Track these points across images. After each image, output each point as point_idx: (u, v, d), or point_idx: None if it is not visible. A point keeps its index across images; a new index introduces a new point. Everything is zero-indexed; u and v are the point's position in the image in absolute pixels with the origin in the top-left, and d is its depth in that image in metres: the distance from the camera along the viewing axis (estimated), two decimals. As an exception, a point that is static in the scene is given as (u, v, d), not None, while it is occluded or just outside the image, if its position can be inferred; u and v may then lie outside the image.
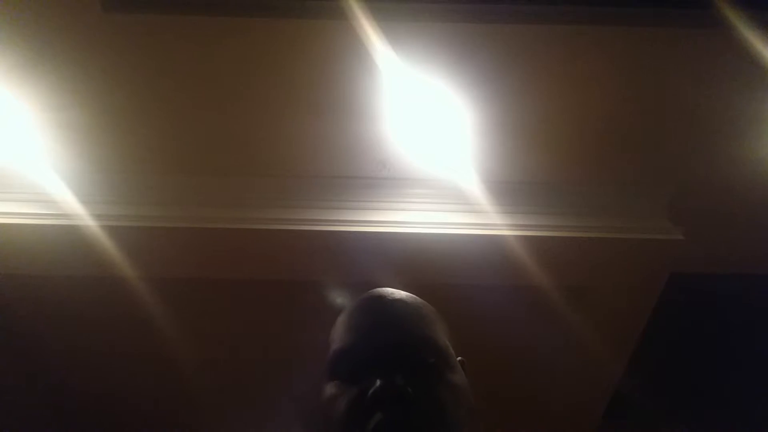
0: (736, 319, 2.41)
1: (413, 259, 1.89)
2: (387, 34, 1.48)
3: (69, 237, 1.86)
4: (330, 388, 0.70)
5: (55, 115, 1.70)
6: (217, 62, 1.61)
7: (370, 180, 1.95)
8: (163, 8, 1.48)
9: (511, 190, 1.93)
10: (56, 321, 2.24)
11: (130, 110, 1.73)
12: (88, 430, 2.67)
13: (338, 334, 0.76)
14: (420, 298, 0.82)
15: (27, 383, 2.49)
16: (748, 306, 2.36)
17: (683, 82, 1.65)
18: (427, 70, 1.59)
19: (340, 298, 1.93)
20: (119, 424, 2.68)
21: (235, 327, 2.27)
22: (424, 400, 0.64)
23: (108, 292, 2.06)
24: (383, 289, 0.81)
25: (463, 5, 1.48)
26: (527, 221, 1.90)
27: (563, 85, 1.66)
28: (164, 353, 2.28)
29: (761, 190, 1.92)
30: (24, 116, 1.71)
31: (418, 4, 1.47)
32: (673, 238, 1.89)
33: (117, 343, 2.30)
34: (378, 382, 0.63)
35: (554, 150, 1.85)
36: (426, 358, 0.69)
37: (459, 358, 0.78)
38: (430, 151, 1.85)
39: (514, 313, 2.10)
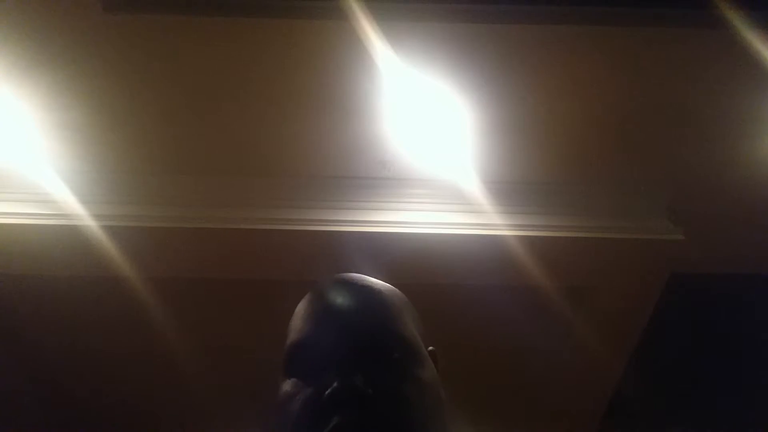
0: (736, 319, 2.41)
1: (413, 259, 1.89)
2: (387, 34, 1.48)
3: (69, 237, 1.86)
4: (285, 386, 0.64)
5: (55, 115, 1.70)
6: (217, 62, 1.61)
7: (371, 180, 1.95)
8: (163, 9, 1.48)
9: (511, 190, 1.93)
10: (56, 321, 2.24)
11: (130, 110, 1.73)
12: (88, 430, 2.67)
13: (295, 324, 0.70)
14: (407, 294, 0.75)
15: (27, 383, 2.49)
16: (748, 306, 2.36)
17: (683, 82, 1.65)
18: (427, 70, 1.59)
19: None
20: (119, 424, 2.68)
21: (235, 327, 2.27)
22: (385, 401, 0.59)
23: (108, 292, 2.06)
24: (348, 274, 0.74)
25: (463, 5, 1.48)
26: (527, 221, 1.90)
27: (563, 85, 1.66)
28: (164, 353, 2.28)
29: (761, 191, 1.92)
30: (24, 116, 1.71)
31: (418, 4, 1.47)
32: (673, 238, 1.89)
33: (117, 343, 2.30)
34: (335, 383, 0.58)
35: (554, 150, 1.85)
36: (391, 353, 0.63)
37: (429, 348, 0.71)
38: (430, 151, 1.85)
39: (515, 314, 2.10)
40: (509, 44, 1.55)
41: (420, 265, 1.90)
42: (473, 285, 2.02)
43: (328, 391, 0.58)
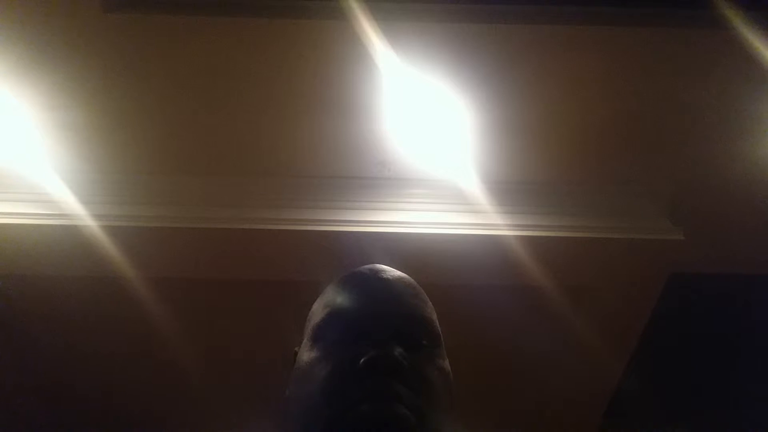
0: (736, 319, 2.41)
1: (413, 259, 1.89)
2: (387, 34, 1.48)
3: (69, 237, 1.86)
4: (313, 352, 0.65)
5: (55, 115, 1.70)
6: (217, 62, 1.61)
7: (371, 180, 1.95)
8: (163, 8, 1.48)
9: (511, 190, 1.93)
10: (56, 321, 2.24)
11: (130, 110, 1.73)
12: (88, 430, 2.67)
13: (331, 298, 0.71)
14: None
15: (27, 383, 2.49)
16: (748, 306, 2.36)
17: (683, 82, 1.65)
18: (427, 70, 1.59)
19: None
20: (119, 424, 2.68)
21: (235, 327, 2.27)
22: (416, 378, 0.61)
23: (108, 292, 2.06)
24: (379, 264, 0.77)
25: (463, 5, 1.48)
26: (527, 221, 1.90)
27: (563, 85, 1.66)
28: (164, 353, 2.28)
29: (761, 190, 1.92)
30: (24, 116, 1.71)
31: (418, 4, 1.47)
32: (673, 238, 1.88)
33: (117, 343, 2.30)
34: (373, 351, 0.59)
35: (554, 150, 1.85)
36: (420, 339, 0.66)
37: None
38: (431, 151, 1.85)
39: (514, 313, 2.10)
40: (509, 44, 1.55)
41: (420, 265, 1.89)
42: (473, 285, 2.02)
43: (366, 357, 0.59)
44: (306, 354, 0.67)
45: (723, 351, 2.51)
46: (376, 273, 0.74)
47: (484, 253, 1.89)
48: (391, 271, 0.75)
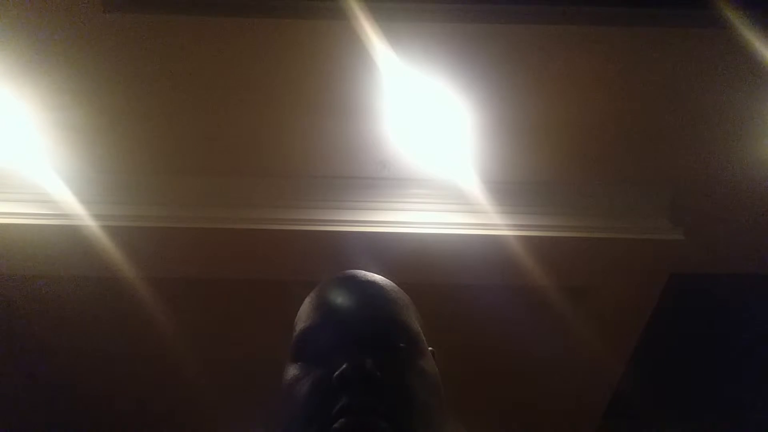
0: (736, 319, 2.41)
1: (413, 259, 1.89)
2: (387, 34, 1.48)
3: (69, 237, 1.86)
4: (293, 370, 0.66)
5: (55, 115, 1.70)
6: (217, 62, 1.61)
7: (370, 180, 1.95)
8: (163, 8, 1.48)
9: (511, 190, 1.93)
10: (56, 321, 2.24)
11: (130, 110, 1.73)
12: (88, 430, 2.67)
13: (305, 313, 0.73)
14: (408, 293, 0.78)
15: (27, 383, 2.49)
16: (748, 306, 2.36)
17: (683, 82, 1.65)
18: (428, 70, 1.59)
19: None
20: (119, 424, 2.68)
21: (235, 327, 2.27)
22: (392, 384, 0.61)
23: (108, 292, 2.06)
24: (355, 270, 0.78)
25: (463, 5, 1.48)
26: (527, 221, 1.90)
27: (563, 85, 1.66)
28: (164, 353, 2.28)
29: (761, 190, 1.92)
30: (24, 116, 1.71)
31: (418, 4, 1.47)
32: (673, 238, 1.89)
33: (117, 343, 2.30)
34: (345, 364, 0.60)
35: (554, 150, 1.85)
36: (396, 342, 0.66)
37: (430, 348, 0.74)
38: (430, 151, 1.85)
39: (515, 314, 2.10)
40: (509, 44, 1.55)
41: (420, 265, 1.90)
42: (473, 285, 2.02)
43: (338, 372, 0.60)
44: (288, 373, 0.67)
45: (723, 351, 2.51)
46: (349, 280, 0.74)
47: (484, 253, 1.89)
48: (364, 277, 0.75)
